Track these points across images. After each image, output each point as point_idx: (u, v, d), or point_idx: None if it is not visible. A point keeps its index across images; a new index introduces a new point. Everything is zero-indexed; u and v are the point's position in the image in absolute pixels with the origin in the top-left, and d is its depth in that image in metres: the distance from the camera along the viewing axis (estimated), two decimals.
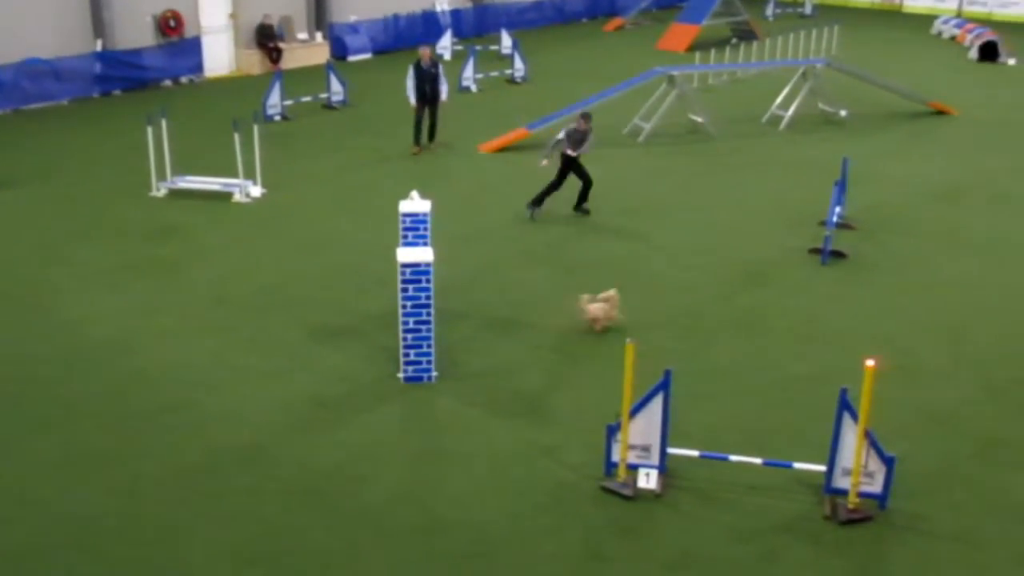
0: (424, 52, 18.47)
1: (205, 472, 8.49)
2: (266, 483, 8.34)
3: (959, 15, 37.47)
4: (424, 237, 10.33)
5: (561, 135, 14.94)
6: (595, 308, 11.29)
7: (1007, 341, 11.36)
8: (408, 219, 10.30)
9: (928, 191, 16.95)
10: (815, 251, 13.73)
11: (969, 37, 31.37)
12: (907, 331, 11.54)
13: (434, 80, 18.28)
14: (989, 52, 29.36)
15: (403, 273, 9.64)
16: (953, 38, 32.96)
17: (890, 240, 14.53)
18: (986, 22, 35.16)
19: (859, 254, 13.82)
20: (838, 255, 13.62)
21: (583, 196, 15.32)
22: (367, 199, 15.97)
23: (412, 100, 18.31)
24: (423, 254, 9.70)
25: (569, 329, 11.34)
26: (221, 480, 8.38)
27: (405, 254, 9.70)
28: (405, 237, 10.35)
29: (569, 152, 14.88)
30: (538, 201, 15.20)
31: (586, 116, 14.94)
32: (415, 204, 10.37)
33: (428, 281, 9.67)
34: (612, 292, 11.40)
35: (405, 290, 9.70)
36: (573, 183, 15.24)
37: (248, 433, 9.11)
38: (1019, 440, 9.27)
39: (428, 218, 10.38)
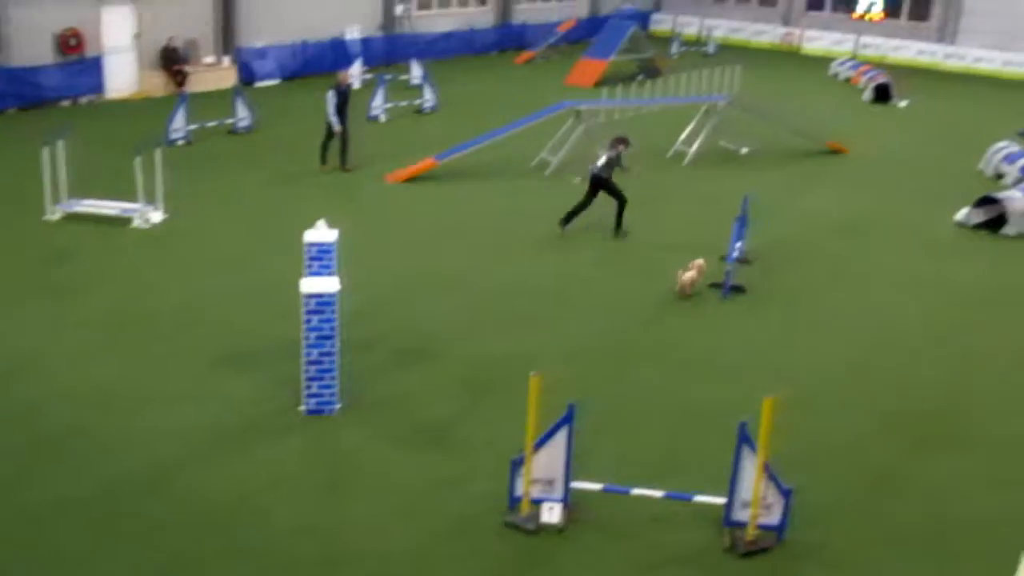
0: (344, 75, 19.07)
1: (101, 502, 8.21)
2: (165, 514, 8.10)
3: (854, 58, 38.78)
4: (329, 267, 10.19)
5: (603, 160, 15.72)
6: (687, 276, 13.55)
7: (899, 372, 11.70)
8: (314, 248, 10.15)
9: (824, 226, 17.42)
10: (716, 285, 13.97)
11: (863, 79, 32.50)
12: (804, 363, 11.79)
13: (347, 103, 18.68)
14: (882, 94, 30.45)
15: (307, 304, 9.50)
16: (848, 80, 34.11)
17: (788, 274, 14.87)
18: (879, 65, 36.48)
19: (759, 288, 14.10)
20: (738, 289, 13.88)
21: (619, 217, 15.99)
22: (271, 226, 15.74)
23: (336, 125, 18.62)
24: (328, 284, 9.58)
25: (477, 359, 11.31)
26: (118, 511, 8.11)
27: (310, 284, 9.57)
28: (310, 267, 10.19)
29: (600, 173, 15.69)
30: (568, 219, 15.94)
31: (623, 140, 15.83)
32: (321, 233, 10.22)
33: (333, 312, 9.55)
34: (701, 261, 13.81)
35: (309, 321, 9.56)
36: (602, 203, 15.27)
37: (146, 462, 8.85)
38: (912, 472, 9.52)
39: (334, 248, 10.25)
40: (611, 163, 15.69)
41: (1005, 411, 10.89)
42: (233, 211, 16.51)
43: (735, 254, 14.18)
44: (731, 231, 14.40)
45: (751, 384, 10.79)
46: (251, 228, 15.67)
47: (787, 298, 13.93)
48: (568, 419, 8.08)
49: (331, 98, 18.49)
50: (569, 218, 15.93)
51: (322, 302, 9.49)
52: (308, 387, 9.81)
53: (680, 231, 16.62)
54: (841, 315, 13.43)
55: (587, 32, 39.31)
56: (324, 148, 18.98)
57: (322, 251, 10.18)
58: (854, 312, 13.57)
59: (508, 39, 37.55)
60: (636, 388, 10.92)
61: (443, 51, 34.20)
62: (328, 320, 9.56)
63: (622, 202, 15.92)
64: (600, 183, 15.76)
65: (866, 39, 40.87)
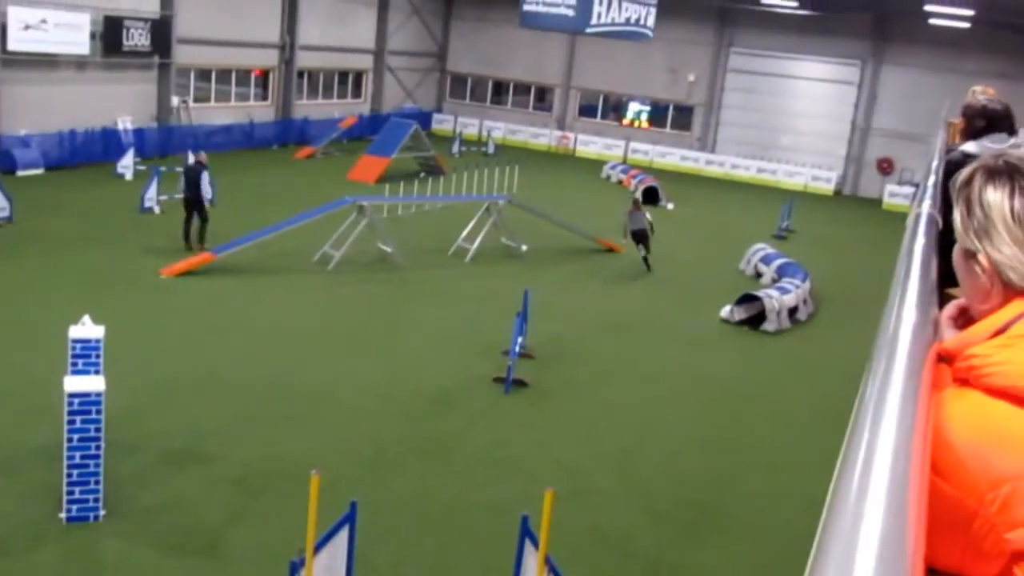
0: (201, 155, 20.63)
1: None
2: None
3: (624, 162, 40.95)
4: (96, 365, 9.70)
5: (647, 217, 22.64)
6: None
7: (670, 464, 12.18)
8: (78, 346, 9.65)
9: (599, 323, 18.10)
10: (498, 380, 14.19)
11: (633, 182, 34.33)
12: (582, 456, 12.09)
13: (198, 181, 19.70)
14: (651, 196, 32.17)
15: (70, 404, 8.98)
16: (620, 182, 35.93)
17: (567, 369, 15.31)
18: (648, 169, 38.65)
19: (539, 382, 14.42)
20: (520, 383, 14.14)
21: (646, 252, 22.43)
22: (30, 323, 14.83)
23: (209, 199, 20.11)
24: (93, 383, 9.10)
25: (250, 460, 10.95)
26: None
27: (73, 383, 9.06)
28: (75, 365, 9.66)
29: (633, 228, 22.22)
30: (646, 260, 22.44)
31: (636, 202, 23.54)
32: (86, 330, 9.75)
33: (98, 412, 9.06)
34: None
35: (72, 422, 9.02)
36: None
37: None
38: (681, 560, 9.86)
39: (100, 345, 9.77)
40: (634, 219, 22.27)
41: (766, 501, 11.49)
42: None
43: (517, 349, 14.46)
44: (512, 327, 14.71)
45: (532, 477, 10.94)
46: (4, 326, 14.70)
47: (566, 392, 14.31)
48: (350, 517, 7.92)
49: (206, 176, 19.75)
50: (646, 261, 22.40)
51: (87, 402, 8.99)
52: (70, 492, 9.20)
53: (461, 327, 16.83)
54: (614, 409, 13.90)
55: (369, 129, 39.79)
56: (187, 228, 19.95)
57: (87, 348, 9.71)
58: (626, 406, 14.07)
59: (289, 134, 37.43)
60: (418, 484, 10.86)
61: (222, 144, 33.64)
62: (93, 421, 9.05)
63: (646, 243, 22.44)
64: (643, 236, 22.15)
65: (635, 144, 43.29)
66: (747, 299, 19.22)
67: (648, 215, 22.77)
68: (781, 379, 16.09)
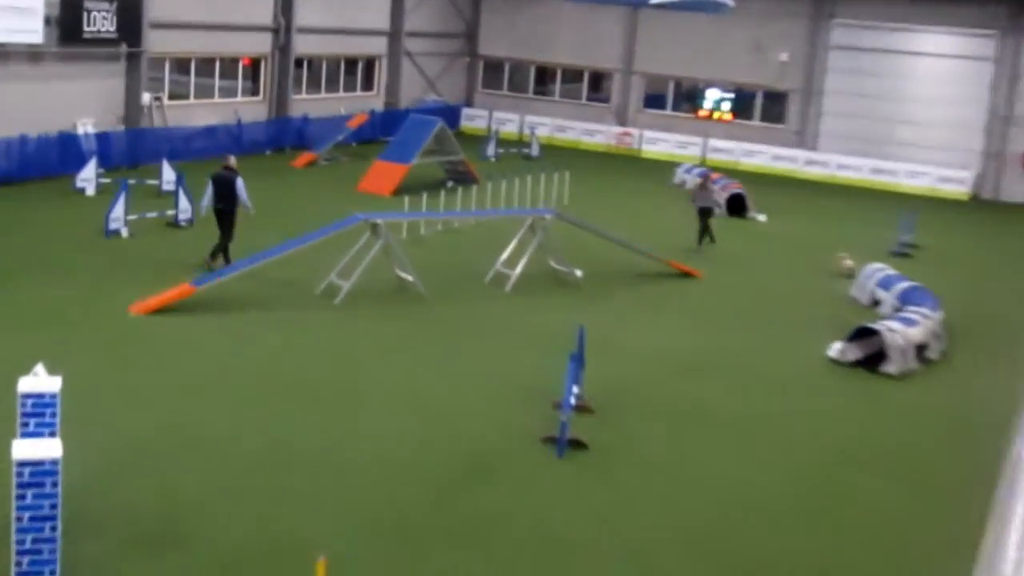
0: (231, 159, 22.05)
1: None
2: None
3: (702, 164, 40.90)
4: (51, 425, 9.79)
5: (697, 203, 27.26)
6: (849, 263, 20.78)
7: (765, 547, 12.01)
8: (29, 402, 9.75)
9: (673, 365, 17.98)
10: (549, 439, 14.11)
11: (714, 189, 34.15)
12: (654, 537, 11.96)
13: (231, 189, 21.23)
14: (736, 206, 32.03)
15: (19, 474, 9.07)
16: None
17: (633, 424, 15.20)
18: (732, 172, 38.57)
19: (599, 442, 14.31)
20: (576, 444, 14.04)
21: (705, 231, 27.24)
22: None
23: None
24: (48, 448, 9.19)
25: (240, 542, 10.97)
26: None
27: (23, 448, 9.16)
28: (25, 425, 9.77)
29: (699, 204, 27.23)
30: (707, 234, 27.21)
31: (704, 180, 29.11)
32: (39, 382, 9.85)
33: (54, 485, 9.14)
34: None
35: (22, 497, 9.11)
36: None
37: None
38: None
39: (56, 400, 9.87)
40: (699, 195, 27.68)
41: None
42: None
43: (571, 400, 14.36)
44: (565, 372, 14.64)
45: (592, 566, 10.85)
46: None
47: (634, 455, 14.20)
48: None
49: (241, 183, 21.28)
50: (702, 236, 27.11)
51: (40, 472, 9.08)
52: None
53: (501, 373, 16.81)
54: (693, 475, 13.76)
55: (383, 129, 40.19)
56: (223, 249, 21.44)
57: (40, 405, 9.80)
58: (709, 472, 13.92)
59: (285, 136, 37.84)
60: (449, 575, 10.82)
61: (203, 150, 33.98)
62: (48, 495, 9.14)
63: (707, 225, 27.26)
64: (708, 214, 27.09)
65: (715, 142, 43.26)
66: (862, 333, 19.02)
67: (717, 196, 27.88)
68: (907, 435, 15.87)
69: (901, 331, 18.81)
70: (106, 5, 30.26)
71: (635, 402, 16.10)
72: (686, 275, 23.96)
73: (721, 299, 22.45)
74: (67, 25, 29.37)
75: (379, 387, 15.91)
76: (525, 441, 14.19)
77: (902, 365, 18.48)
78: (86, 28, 29.91)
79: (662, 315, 21.06)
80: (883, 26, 41.07)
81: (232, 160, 22.14)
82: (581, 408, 15.05)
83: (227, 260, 21.16)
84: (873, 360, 18.66)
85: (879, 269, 23.60)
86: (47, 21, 28.66)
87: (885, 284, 22.64)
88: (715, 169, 38.50)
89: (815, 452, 14.91)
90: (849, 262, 25.01)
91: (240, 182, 21.38)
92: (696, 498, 13.08)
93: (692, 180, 36.37)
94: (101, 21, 30.28)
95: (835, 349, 18.99)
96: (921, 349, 19.08)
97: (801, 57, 42.69)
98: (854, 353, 18.84)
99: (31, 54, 29.06)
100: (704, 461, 14.23)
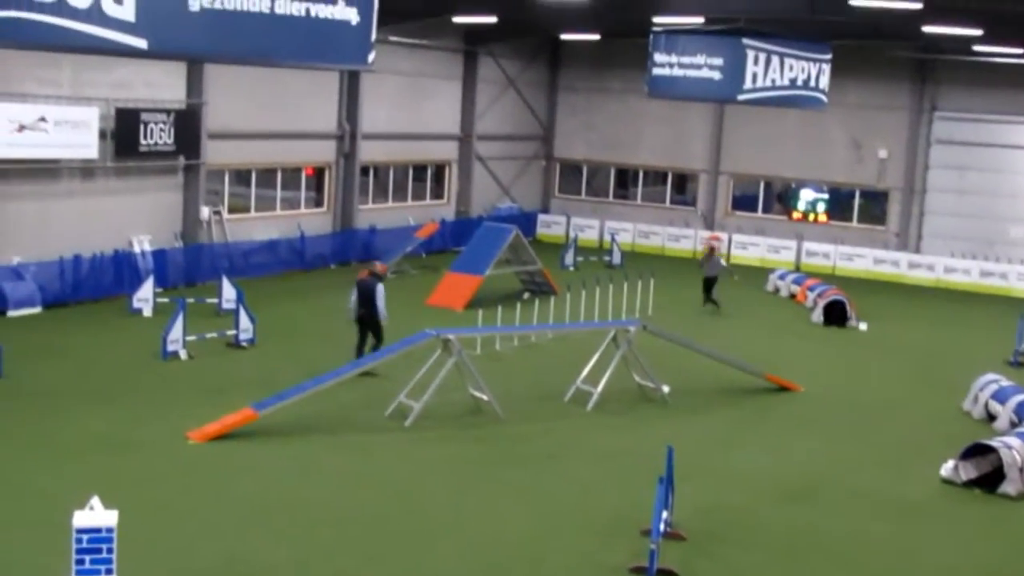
0: (380, 266, 24.90)
1: None
2: None
3: (797, 269, 40.77)
4: (107, 563, 9.94)
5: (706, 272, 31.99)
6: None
7: None
8: (85, 537, 9.92)
9: (772, 488, 17.79)
10: (637, 571, 14.00)
11: (810, 296, 34.05)
12: None
13: (372, 295, 22.79)
14: (836, 314, 31.82)
15: None
16: (792, 296, 35.70)
17: (730, 554, 15.03)
18: (830, 277, 38.39)
19: (693, 573, 14.17)
20: (667, 575, 13.92)
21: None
22: (22, 506, 15.26)
23: (384, 316, 23.04)
24: None
25: None
26: None
27: None
28: (80, 563, 9.92)
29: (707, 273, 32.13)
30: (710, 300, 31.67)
31: (712, 250, 32.84)
32: (95, 516, 10.02)
33: None
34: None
35: None
36: None
37: None
38: None
39: (113, 535, 10.03)
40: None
41: None
42: None
43: (661, 527, 14.27)
44: (652, 498, 14.56)
45: None
46: None
47: None
48: None
49: (380, 290, 22.94)
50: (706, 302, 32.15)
51: None
52: None
53: (583, 498, 16.74)
54: None
55: (453, 239, 40.60)
56: (360, 349, 22.86)
57: (96, 540, 9.97)
58: None
59: (350, 248, 38.32)
60: None
61: (264, 266, 34.60)
62: None
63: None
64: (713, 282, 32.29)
65: (810, 245, 43.14)
66: (977, 451, 18.73)
67: (724, 261, 32.78)
68: None
69: (1020, 448, 18.49)
70: (163, 116, 31.08)
71: (731, 529, 15.93)
72: (784, 389, 23.77)
73: (822, 415, 22.23)
74: (123, 138, 30.13)
75: (452, 515, 15.91)
76: (611, 572, 14.09)
77: (1021, 486, 18.13)
78: (142, 141, 30.66)
79: (759, 433, 20.88)
80: (988, 118, 40.95)
81: (378, 266, 24.83)
82: (672, 535, 14.94)
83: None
84: (989, 479, 18.33)
85: (993, 380, 23.25)
86: (102, 135, 29.46)
87: (1001, 397, 22.30)
88: (811, 274, 38.39)
89: None
90: (715, 243, 31.13)
91: (380, 288, 22.97)
92: None
93: (787, 286, 36.38)
94: (158, 133, 31.07)
95: (947, 468, 18.70)
96: None
97: (901, 153, 42.63)
98: (968, 472, 18.54)
99: (85, 169, 29.79)
100: None
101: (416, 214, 41.64)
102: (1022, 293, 39.26)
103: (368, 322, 22.96)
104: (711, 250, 33.16)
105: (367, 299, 22.86)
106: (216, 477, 16.97)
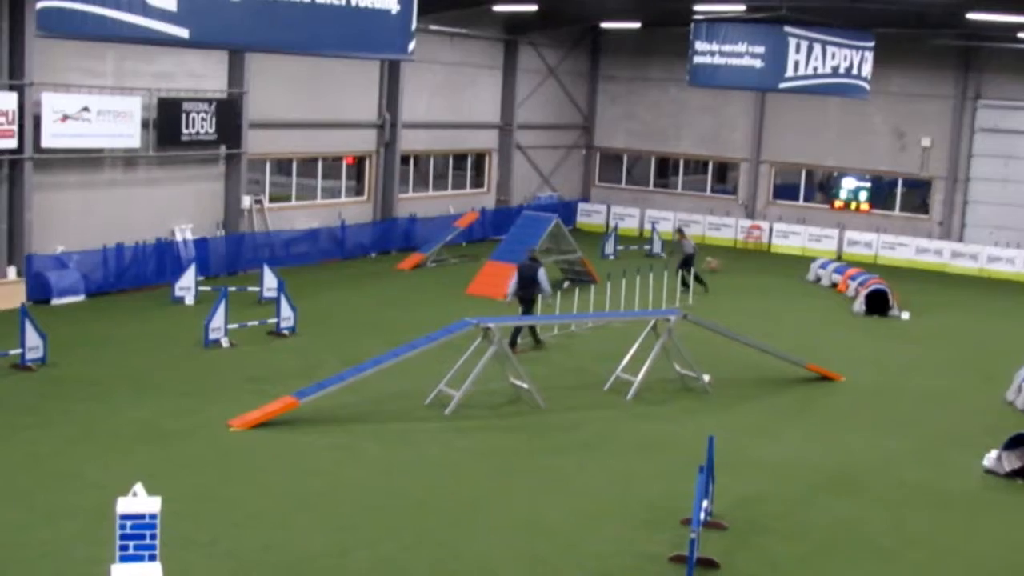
0: (532, 251, 26.81)
1: None
2: None
3: (839, 258, 40.52)
4: (151, 548, 10.00)
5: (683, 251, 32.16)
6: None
7: None
8: (128, 523, 9.99)
9: (813, 478, 17.71)
10: (677, 559, 13.98)
11: (852, 285, 33.84)
12: None
13: (535, 278, 24.42)
14: (878, 304, 31.62)
15: None
16: (834, 285, 35.49)
17: (770, 544, 14.99)
18: (871, 267, 38.13)
19: (733, 564, 14.14)
20: (708, 564, 13.90)
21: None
22: (66, 493, 15.39)
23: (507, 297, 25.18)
24: (149, 573, 9.37)
25: None
26: None
27: (123, 573, 9.35)
28: (124, 549, 9.99)
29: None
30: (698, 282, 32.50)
31: (680, 231, 33.79)
32: (138, 503, 10.09)
33: None
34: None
35: None
36: None
37: None
38: None
39: (156, 522, 10.09)
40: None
41: None
42: (7, 473, 16.12)
43: (702, 516, 14.24)
44: (693, 487, 14.54)
45: None
46: (33, 495, 15.27)
47: None
48: None
49: (543, 272, 24.61)
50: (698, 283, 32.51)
51: None
52: None
53: (623, 487, 16.74)
54: None
55: (494, 228, 40.65)
56: (516, 332, 24.31)
57: (140, 527, 10.03)
58: None
59: (391, 238, 38.44)
60: None
61: (305, 256, 34.77)
62: None
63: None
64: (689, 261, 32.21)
65: (852, 234, 42.90)
66: (1020, 441, 18.58)
67: (692, 242, 33.11)
68: None
69: None
70: (205, 106, 31.23)
71: (772, 519, 15.88)
72: (826, 379, 23.67)
73: (864, 404, 22.11)
74: (165, 128, 30.32)
75: (492, 503, 15.94)
76: (651, 561, 14.07)
77: None
78: (184, 130, 30.83)
79: (801, 423, 20.80)
80: None
81: (536, 251, 27.22)
82: (712, 525, 14.92)
83: (536, 341, 25.19)
84: None
85: None
86: (144, 124, 29.66)
87: None
88: (853, 264, 38.16)
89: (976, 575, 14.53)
90: (715, 263, 33.32)
91: (542, 271, 24.66)
92: None
93: (828, 275, 36.19)
94: (200, 123, 31.23)
95: (990, 458, 18.57)
96: None
97: (945, 142, 42.27)
98: (1011, 463, 18.40)
99: (127, 159, 30.02)
100: None
101: (456, 203, 41.72)
102: None
103: (528, 303, 24.62)
104: (680, 233, 34.04)
105: (530, 281, 24.37)
106: (257, 464, 17.07)
